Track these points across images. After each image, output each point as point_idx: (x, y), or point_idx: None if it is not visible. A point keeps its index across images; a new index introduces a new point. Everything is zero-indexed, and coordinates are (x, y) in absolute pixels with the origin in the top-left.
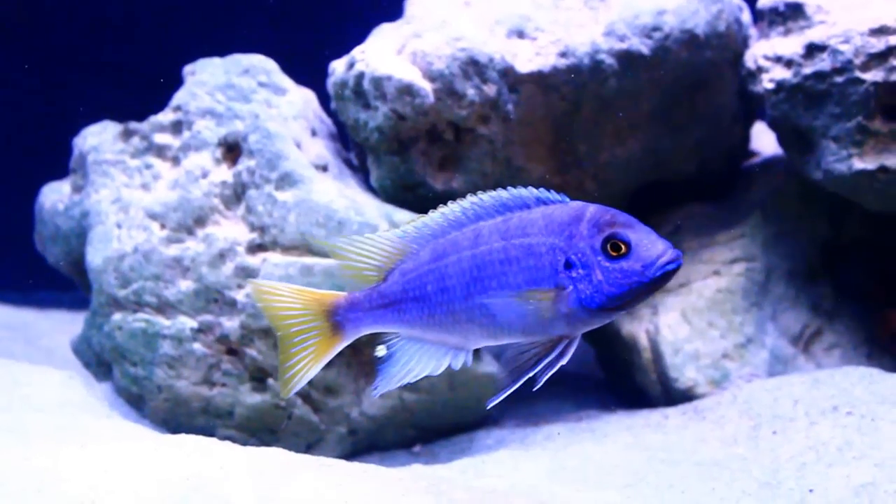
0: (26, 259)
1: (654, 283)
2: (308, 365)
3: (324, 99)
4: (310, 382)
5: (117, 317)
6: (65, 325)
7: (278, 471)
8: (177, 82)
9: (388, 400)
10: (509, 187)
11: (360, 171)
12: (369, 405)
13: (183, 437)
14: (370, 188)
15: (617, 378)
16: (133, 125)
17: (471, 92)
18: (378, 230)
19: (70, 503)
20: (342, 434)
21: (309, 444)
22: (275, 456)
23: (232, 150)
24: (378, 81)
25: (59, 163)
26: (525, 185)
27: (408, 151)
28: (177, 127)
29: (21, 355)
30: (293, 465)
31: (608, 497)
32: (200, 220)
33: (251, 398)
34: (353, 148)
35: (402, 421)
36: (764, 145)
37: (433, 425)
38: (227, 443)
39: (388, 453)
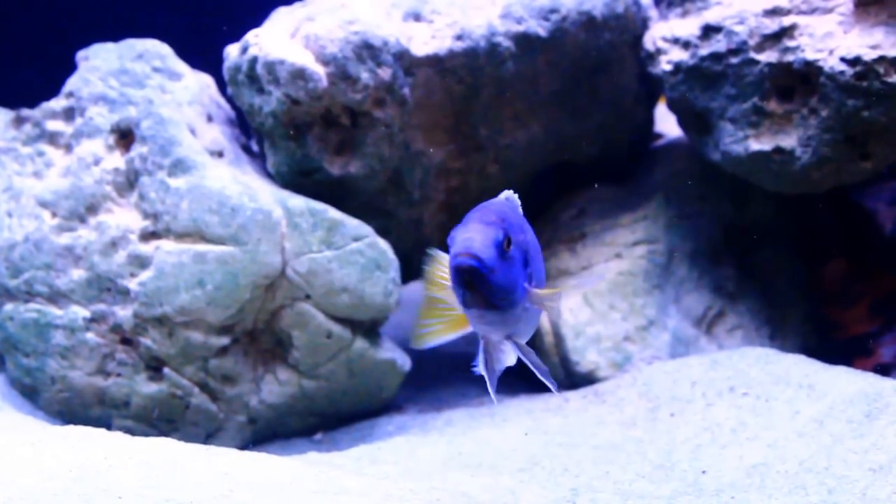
0: None
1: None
2: (444, 331)
3: (224, 84)
4: (206, 371)
5: (8, 307)
6: None
7: (165, 461)
8: (71, 68)
9: (288, 388)
10: None
11: (260, 158)
12: (268, 393)
13: (70, 427)
14: (269, 174)
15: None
16: (25, 112)
17: (365, 76)
18: (272, 216)
19: None
20: (242, 423)
21: (208, 433)
22: (163, 446)
23: (125, 137)
24: (271, 66)
25: None
26: (425, 169)
27: (303, 136)
28: (69, 113)
29: None
30: (182, 455)
31: (501, 482)
32: (92, 208)
33: (147, 388)
34: (253, 134)
35: (303, 409)
36: (669, 128)
37: (334, 412)
38: (117, 433)
39: (289, 442)
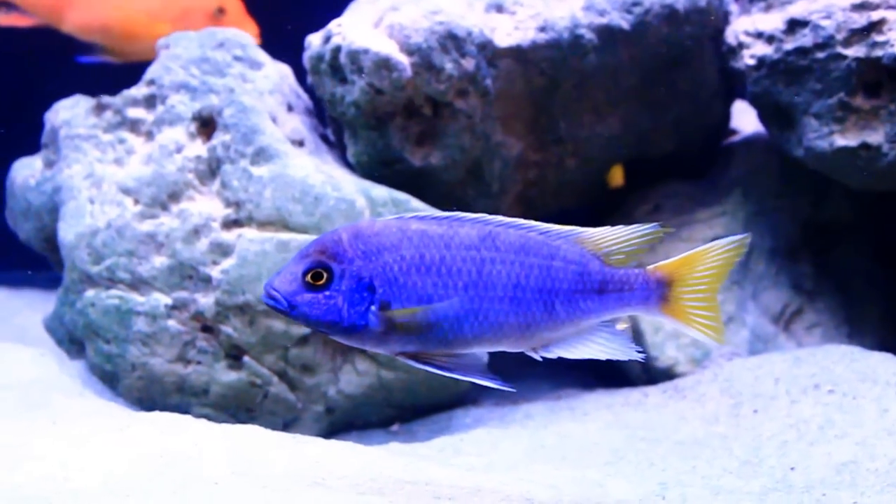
0: None
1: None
2: None
3: (301, 74)
4: (286, 360)
5: (90, 293)
6: (37, 304)
7: (254, 448)
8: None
9: (367, 378)
10: None
11: (337, 147)
12: (346, 383)
13: (157, 414)
14: (347, 164)
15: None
16: (106, 99)
17: (449, 66)
18: (355, 205)
19: (41, 481)
20: (319, 413)
21: (286, 422)
22: (250, 433)
23: (206, 125)
24: (355, 55)
25: (30, 140)
26: (504, 161)
27: (385, 126)
28: (150, 101)
29: None
30: (269, 442)
31: (588, 475)
32: (174, 196)
33: (226, 376)
34: (329, 123)
35: (381, 400)
36: (743, 124)
37: (411, 404)
38: (203, 420)
39: (365, 432)
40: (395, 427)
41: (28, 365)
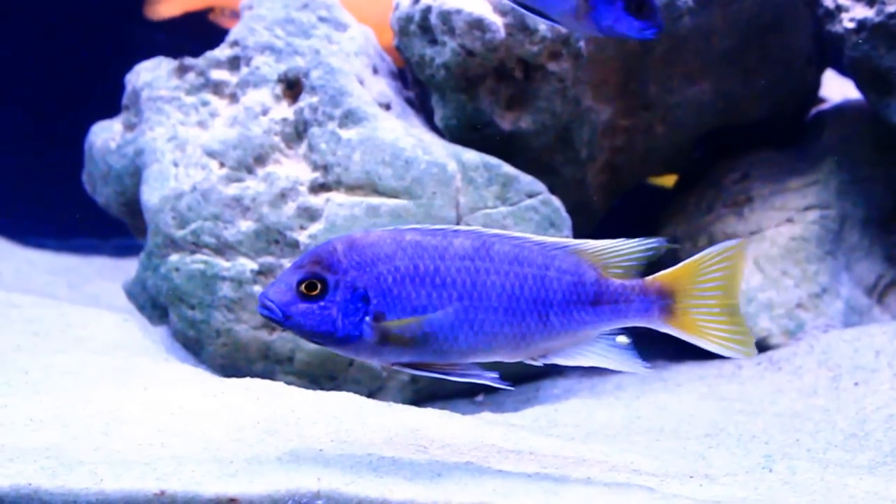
0: (67, 205)
1: None
2: None
3: None
4: None
5: (174, 258)
6: (108, 271)
7: (351, 415)
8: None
9: None
10: None
11: (421, 111)
12: None
13: (249, 380)
14: (433, 128)
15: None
16: (188, 61)
17: (542, 27)
18: (446, 169)
19: (140, 447)
20: (404, 382)
21: (370, 391)
22: (346, 400)
23: (292, 87)
24: (446, 15)
25: (97, 105)
26: (593, 126)
27: (475, 89)
28: (234, 63)
29: (66, 300)
30: (367, 410)
31: (689, 447)
32: (260, 159)
33: (311, 343)
34: (412, 87)
35: None
36: (831, 92)
37: (497, 374)
38: (293, 387)
39: (449, 402)
40: (479, 397)
41: (111, 330)
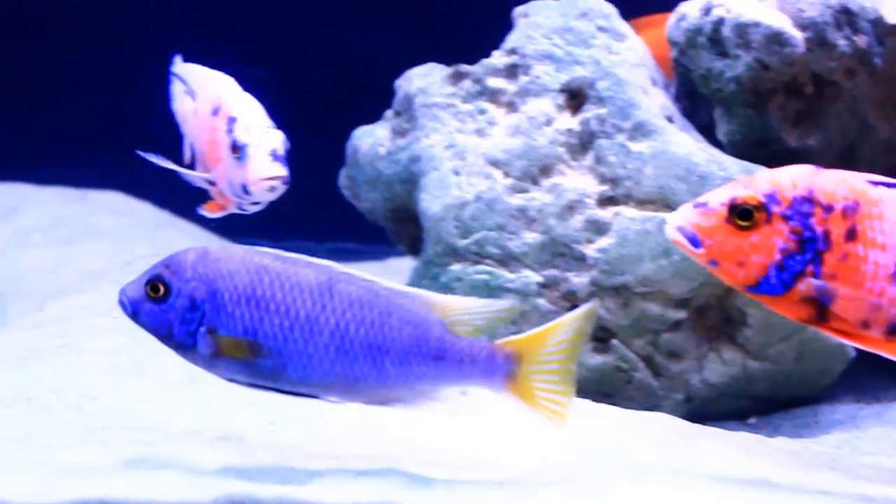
0: (323, 208)
1: None
2: None
3: None
4: (655, 345)
5: (456, 267)
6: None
7: (671, 436)
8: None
9: (732, 368)
10: None
11: (692, 125)
12: (711, 372)
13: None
14: (713, 141)
15: None
16: (463, 68)
17: (842, 43)
18: None
19: (471, 466)
20: (678, 401)
21: (643, 409)
22: (665, 421)
23: (574, 97)
24: (742, 28)
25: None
26: (873, 145)
27: (764, 104)
28: (512, 71)
29: None
30: (687, 431)
31: None
32: (546, 170)
33: (592, 359)
34: (681, 100)
35: (739, 390)
36: None
37: (768, 396)
38: (601, 404)
39: (719, 423)
40: (752, 419)
41: None
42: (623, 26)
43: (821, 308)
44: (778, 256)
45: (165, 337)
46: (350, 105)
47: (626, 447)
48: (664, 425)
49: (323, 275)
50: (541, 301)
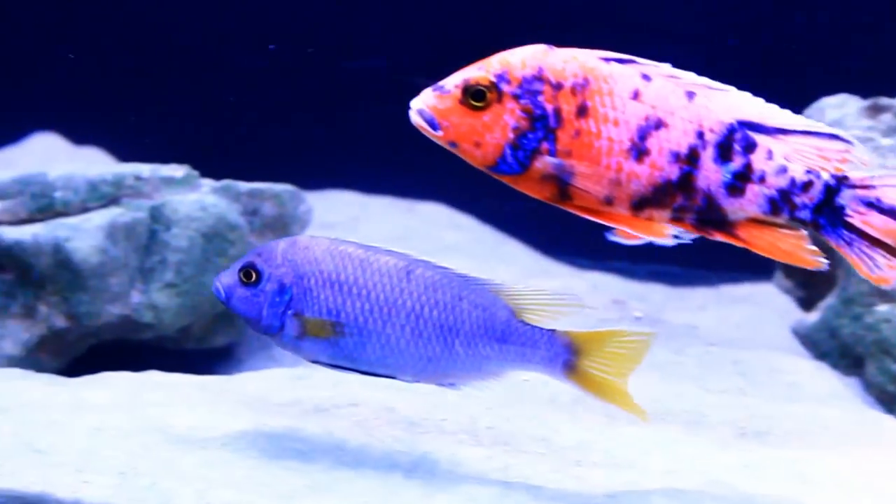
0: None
1: None
2: None
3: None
4: None
5: (883, 308)
6: (673, 300)
7: None
8: None
9: None
10: None
11: None
12: None
13: None
14: None
15: None
16: (883, 101)
17: None
18: None
19: None
20: None
21: None
22: None
23: None
24: None
25: None
26: None
27: None
28: None
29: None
30: None
31: None
32: None
33: None
34: None
35: None
36: None
37: None
38: None
39: None
40: None
41: (809, 376)
42: None
43: (562, 186)
44: (511, 135)
45: (254, 320)
46: None
47: None
48: None
49: (401, 261)
50: None
